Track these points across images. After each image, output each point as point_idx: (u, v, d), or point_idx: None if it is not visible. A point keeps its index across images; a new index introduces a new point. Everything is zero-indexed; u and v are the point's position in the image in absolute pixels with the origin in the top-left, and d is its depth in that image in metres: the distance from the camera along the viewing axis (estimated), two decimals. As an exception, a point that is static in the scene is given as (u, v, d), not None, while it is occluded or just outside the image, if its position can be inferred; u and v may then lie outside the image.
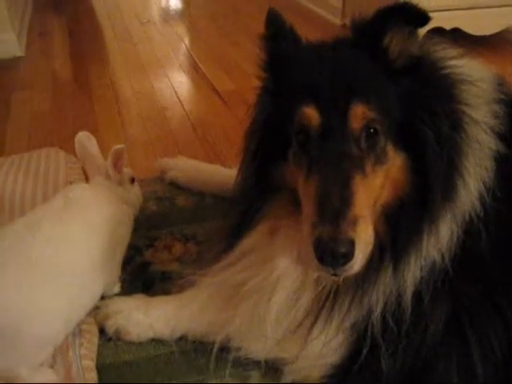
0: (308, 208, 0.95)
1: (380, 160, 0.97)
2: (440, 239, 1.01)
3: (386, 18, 0.98)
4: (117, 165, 1.42)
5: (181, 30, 3.86)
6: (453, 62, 1.07)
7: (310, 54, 1.05)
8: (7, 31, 3.22)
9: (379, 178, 0.98)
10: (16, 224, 1.22)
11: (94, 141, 1.50)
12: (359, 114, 0.95)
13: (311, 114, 0.97)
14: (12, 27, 3.24)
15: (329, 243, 0.89)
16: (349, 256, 0.90)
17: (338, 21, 3.59)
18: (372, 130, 0.97)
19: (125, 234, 1.40)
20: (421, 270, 1.01)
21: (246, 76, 2.78)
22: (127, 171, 1.50)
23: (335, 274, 0.94)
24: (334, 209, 0.90)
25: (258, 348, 1.17)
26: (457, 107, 1.02)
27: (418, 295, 1.03)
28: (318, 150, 0.97)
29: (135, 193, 1.53)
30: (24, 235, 1.17)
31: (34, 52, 3.40)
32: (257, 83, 1.14)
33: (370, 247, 0.95)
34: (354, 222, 0.90)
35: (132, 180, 1.52)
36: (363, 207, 0.93)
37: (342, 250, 0.89)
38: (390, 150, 0.99)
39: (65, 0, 4.59)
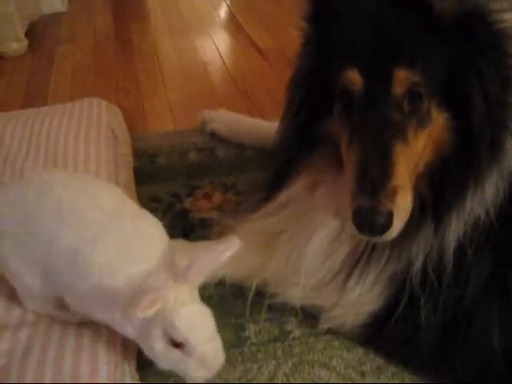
0: (349, 175, 0.95)
1: (423, 123, 0.94)
2: (485, 197, 0.97)
3: None
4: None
5: (222, -13, 3.80)
6: (506, 16, 0.98)
7: (353, 9, 0.99)
8: (50, -13, 3.25)
9: (421, 141, 0.95)
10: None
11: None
12: (403, 78, 0.91)
13: (354, 77, 0.94)
14: (55, -18, 3.27)
15: (367, 215, 0.89)
16: (387, 226, 0.90)
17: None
18: (416, 94, 0.93)
19: None
20: (464, 225, 0.99)
21: (287, 33, 2.72)
22: None
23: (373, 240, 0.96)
24: (374, 180, 0.90)
25: (294, 294, 1.18)
26: (507, 63, 0.96)
27: (460, 249, 1.00)
28: (360, 115, 0.94)
29: None
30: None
31: (77, 8, 3.41)
32: (299, 35, 1.09)
33: (408, 213, 0.94)
34: (394, 193, 0.89)
35: None
36: (403, 177, 0.91)
37: (381, 221, 0.89)
38: (434, 111, 0.95)
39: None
